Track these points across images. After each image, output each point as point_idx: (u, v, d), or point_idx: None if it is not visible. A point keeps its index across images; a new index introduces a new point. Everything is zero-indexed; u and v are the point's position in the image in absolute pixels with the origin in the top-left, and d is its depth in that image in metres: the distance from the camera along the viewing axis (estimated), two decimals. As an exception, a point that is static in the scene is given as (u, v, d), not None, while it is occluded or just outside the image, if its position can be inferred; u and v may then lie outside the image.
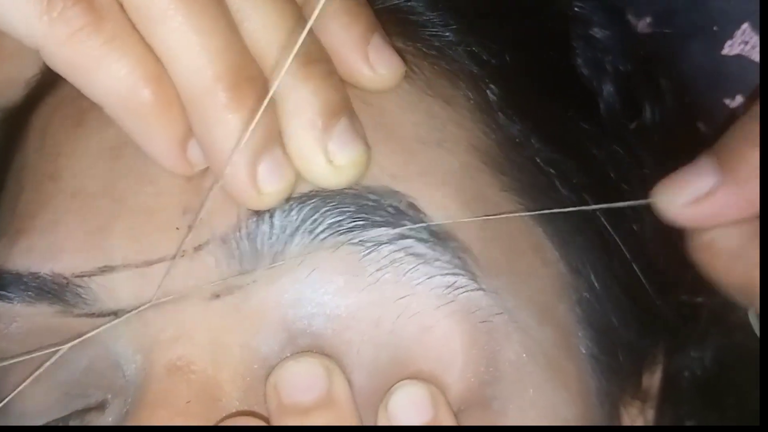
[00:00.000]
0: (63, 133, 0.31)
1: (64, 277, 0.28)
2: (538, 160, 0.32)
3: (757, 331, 0.29)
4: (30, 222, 0.30)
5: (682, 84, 0.38)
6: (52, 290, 0.29)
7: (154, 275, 0.28)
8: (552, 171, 0.32)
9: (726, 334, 0.37)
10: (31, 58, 0.33)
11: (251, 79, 0.26)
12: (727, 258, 0.27)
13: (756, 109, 0.27)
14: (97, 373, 0.29)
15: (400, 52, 0.30)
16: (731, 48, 0.39)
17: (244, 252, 0.27)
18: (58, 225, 0.29)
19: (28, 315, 0.29)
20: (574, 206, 0.32)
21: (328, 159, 0.27)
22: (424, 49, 0.32)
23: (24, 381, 0.30)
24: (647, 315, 0.34)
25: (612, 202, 0.33)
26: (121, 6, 0.25)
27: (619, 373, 0.32)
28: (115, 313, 0.28)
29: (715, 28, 0.39)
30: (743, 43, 0.38)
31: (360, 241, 0.28)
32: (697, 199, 0.27)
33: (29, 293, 0.29)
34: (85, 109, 0.31)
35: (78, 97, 0.30)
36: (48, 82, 0.34)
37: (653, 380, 0.36)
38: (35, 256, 0.29)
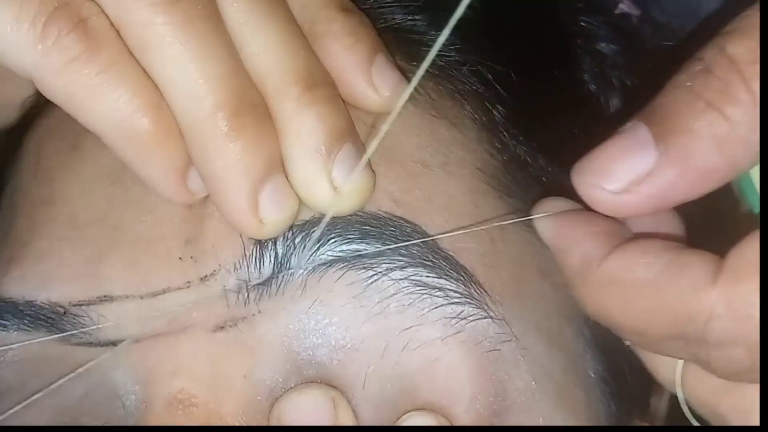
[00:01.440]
0: (58, 156, 0.30)
1: (61, 306, 0.28)
2: (545, 180, 0.32)
3: (679, 389, 0.26)
4: (23, 249, 0.29)
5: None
6: (49, 319, 0.28)
7: (157, 305, 0.27)
8: (558, 191, 0.32)
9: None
10: (27, 79, 0.32)
11: (252, 107, 0.25)
12: (640, 293, 0.23)
13: (695, 66, 0.22)
14: (94, 402, 0.28)
15: (403, 73, 0.29)
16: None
17: (249, 282, 0.27)
18: (53, 252, 0.29)
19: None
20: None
21: (332, 186, 0.26)
22: (428, 69, 0.31)
23: (15, 406, 0.29)
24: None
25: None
26: (118, 33, 0.25)
27: (628, 397, 0.32)
28: (114, 343, 0.28)
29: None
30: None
31: (364, 269, 0.27)
32: (634, 183, 0.22)
33: (25, 321, 0.28)
34: (81, 132, 0.30)
35: (73, 119, 0.29)
36: (43, 103, 0.33)
37: (661, 402, 0.35)
38: (29, 284, 0.29)
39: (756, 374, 0.23)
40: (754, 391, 0.24)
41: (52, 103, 0.32)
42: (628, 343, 0.27)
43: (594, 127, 0.34)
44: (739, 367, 0.23)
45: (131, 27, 0.24)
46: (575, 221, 0.26)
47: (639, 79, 0.36)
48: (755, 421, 0.24)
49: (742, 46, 0.22)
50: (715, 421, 0.25)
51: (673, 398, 0.35)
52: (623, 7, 0.39)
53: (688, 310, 0.22)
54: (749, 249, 0.22)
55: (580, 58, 0.36)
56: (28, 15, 0.24)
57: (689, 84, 0.22)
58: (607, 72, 0.36)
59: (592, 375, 0.30)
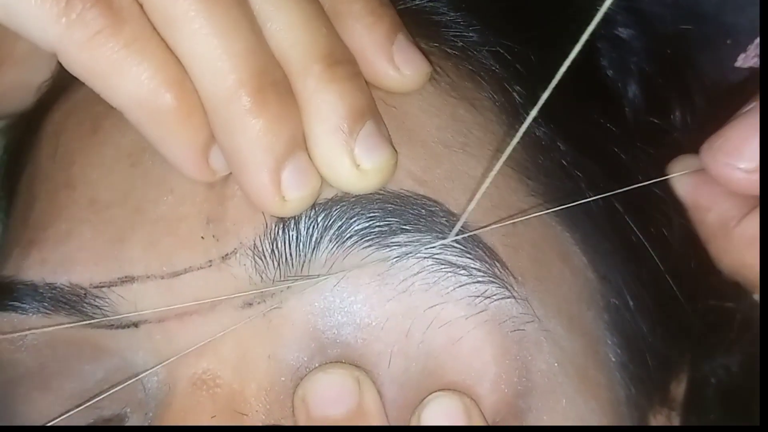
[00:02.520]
0: (77, 139, 0.30)
1: (82, 288, 0.28)
2: (564, 163, 0.31)
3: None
4: (44, 232, 0.29)
5: (709, 83, 0.37)
6: (70, 301, 0.28)
7: (179, 286, 0.27)
8: (578, 174, 0.31)
9: (754, 340, 0.36)
10: (43, 62, 0.32)
11: (275, 84, 0.25)
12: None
13: None
14: (114, 384, 0.28)
15: (423, 53, 0.29)
16: (744, 61, 0.38)
17: (272, 260, 0.27)
18: (73, 235, 0.28)
19: (43, 326, 0.28)
20: (601, 210, 0.31)
21: (354, 164, 0.26)
22: (447, 50, 0.31)
23: (32, 391, 0.29)
24: (675, 321, 0.33)
25: (638, 205, 0.32)
26: (141, 7, 0.24)
27: (648, 382, 0.32)
28: (135, 325, 0.27)
29: (728, 41, 0.38)
30: (756, 56, 0.38)
31: (388, 247, 0.27)
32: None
33: (45, 304, 0.28)
34: (101, 114, 0.30)
35: (93, 102, 0.29)
36: (60, 87, 0.33)
37: (680, 388, 0.35)
38: (50, 267, 0.28)
39: None
40: None
41: (69, 87, 0.32)
42: (756, 297, 0.28)
43: (612, 112, 0.34)
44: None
45: (155, 1, 0.24)
46: (713, 180, 0.26)
47: (657, 64, 0.36)
48: None
49: None
50: None
51: (691, 383, 0.35)
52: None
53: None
54: None
55: (598, 42, 0.35)
56: None
57: None
58: (625, 57, 0.36)
59: (613, 359, 0.30)
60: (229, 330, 0.27)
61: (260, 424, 0.26)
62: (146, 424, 0.27)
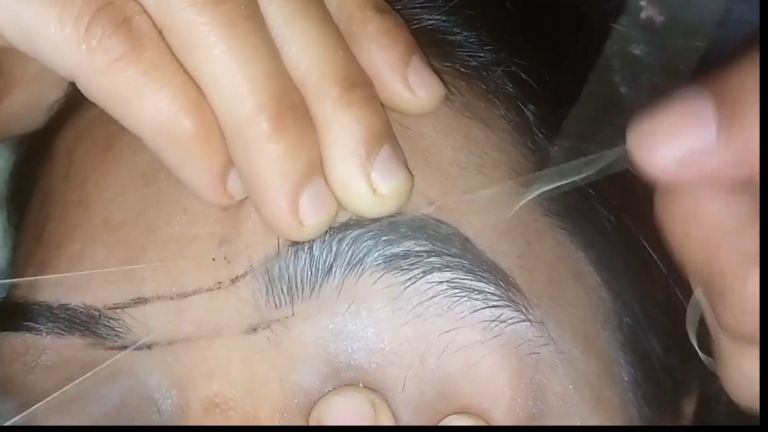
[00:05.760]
0: (91, 158, 0.30)
1: (96, 309, 0.28)
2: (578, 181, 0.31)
3: (691, 316, 0.26)
4: (57, 251, 0.29)
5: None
6: (84, 322, 0.28)
7: (188, 307, 0.27)
8: (592, 192, 0.31)
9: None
10: (55, 83, 0.32)
11: (293, 108, 0.25)
12: (705, 237, 0.22)
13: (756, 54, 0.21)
14: (130, 407, 0.28)
15: (437, 74, 0.29)
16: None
17: (282, 284, 0.27)
18: (86, 255, 0.29)
19: (57, 347, 0.28)
20: (614, 229, 0.31)
21: (371, 188, 0.26)
22: (461, 70, 0.31)
23: (53, 416, 0.29)
24: (688, 339, 0.33)
25: (651, 223, 0.32)
26: (160, 33, 0.24)
27: (661, 400, 0.32)
28: (149, 347, 0.27)
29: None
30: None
31: (402, 271, 0.27)
32: (689, 157, 0.21)
33: (59, 325, 0.28)
34: (114, 133, 0.30)
35: (106, 120, 0.29)
36: (72, 105, 0.33)
37: (691, 405, 0.35)
38: (63, 287, 0.28)
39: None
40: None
41: (81, 106, 0.32)
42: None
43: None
44: (746, 330, 0.22)
45: (174, 27, 0.24)
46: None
47: (671, 81, 0.36)
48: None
49: None
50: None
51: (700, 399, 0.35)
52: (647, 12, 0.39)
53: (731, 271, 0.22)
54: None
55: (611, 59, 0.35)
56: (71, 14, 0.23)
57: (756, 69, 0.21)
58: (637, 74, 0.35)
59: (626, 379, 0.30)
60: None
61: None
62: None
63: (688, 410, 0.34)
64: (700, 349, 0.27)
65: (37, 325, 0.28)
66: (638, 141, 0.22)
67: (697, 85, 0.22)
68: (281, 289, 0.27)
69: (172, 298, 0.27)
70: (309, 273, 0.27)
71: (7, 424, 0.29)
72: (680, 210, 0.23)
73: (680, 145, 0.22)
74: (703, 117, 0.21)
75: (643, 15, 0.38)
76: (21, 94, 0.31)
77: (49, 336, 0.28)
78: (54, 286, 0.28)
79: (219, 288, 0.27)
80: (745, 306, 0.22)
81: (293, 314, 0.27)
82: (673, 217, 0.23)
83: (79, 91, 0.25)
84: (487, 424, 0.26)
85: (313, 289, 0.27)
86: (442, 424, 0.26)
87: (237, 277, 0.27)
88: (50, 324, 0.28)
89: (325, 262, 0.27)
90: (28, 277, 0.30)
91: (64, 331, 0.28)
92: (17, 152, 0.38)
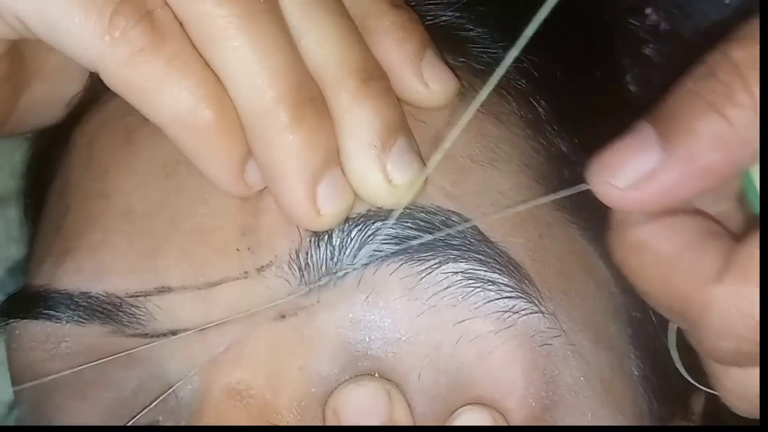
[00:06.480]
0: (111, 150, 0.31)
1: (118, 297, 0.28)
2: None
3: (672, 350, 0.27)
4: (77, 241, 0.30)
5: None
6: (105, 310, 0.28)
7: (216, 295, 0.27)
8: None
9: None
10: (74, 76, 0.32)
11: (311, 99, 0.26)
12: (657, 265, 0.24)
13: (700, 70, 0.23)
14: (148, 393, 0.28)
15: (451, 69, 0.30)
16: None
17: (308, 273, 0.27)
18: (107, 245, 0.29)
19: (78, 335, 0.29)
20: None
21: (387, 179, 0.26)
22: (474, 65, 0.32)
23: (68, 400, 0.29)
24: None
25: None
26: (181, 25, 0.25)
27: (670, 395, 0.32)
28: (173, 333, 0.28)
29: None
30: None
31: (418, 262, 0.27)
32: (641, 180, 0.23)
33: (79, 313, 0.29)
34: (134, 125, 0.30)
35: (126, 113, 0.30)
36: (92, 99, 0.33)
37: (700, 400, 0.35)
38: (84, 276, 0.29)
39: (744, 360, 0.23)
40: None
41: (101, 99, 0.33)
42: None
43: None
44: (725, 356, 0.24)
45: (194, 19, 0.25)
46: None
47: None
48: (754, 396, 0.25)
49: (745, 51, 0.22)
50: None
51: (709, 396, 0.35)
52: (654, 18, 0.40)
53: (691, 296, 0.23)
54: (754, 248, 0.22)
55: (623, 58, 0.36)
56: (95, 6, 0.24)
57: (693, 87, 0.23)
58: (648, 73, 0.36)
59: (636, 373, 0.31)
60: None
61: None
62: None
63: (697, 404, 0.35)
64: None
65: (57, 313, 0.29)
66: (594, 176, 0.24)
67: (640, 118, 0.24)
68: (308, 277, 0.27)
69: (199, 288, 0.27)
70: (331, 262, 0.27)
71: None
72: (631, 241, 0.24)
73: (630, 171, 0.23)
74: (646, 141, 0.23)
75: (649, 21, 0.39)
76: (40, 87, 0.31)
77: (69, 324, 0.29)
78: (75, 275, 0.29)
79: (246, 277, 0.27)
80: (719, 331, 0.23)
81: (318, 302, 0.27)
82: (624, 249, 0.25)
83: (98, 85, 0.26)
84: (501, 417, 0.27)
85: (336, 278, 0.27)
86: (456, 414, 0.26)
87: (263, 267, 0.27)
88: (70, 312, 0.28)
89: (345, 251, 0.27)
90: (48, 265, 0.30)
91: (85, 318, 0.28)
92: (34, 146, 0.39)
